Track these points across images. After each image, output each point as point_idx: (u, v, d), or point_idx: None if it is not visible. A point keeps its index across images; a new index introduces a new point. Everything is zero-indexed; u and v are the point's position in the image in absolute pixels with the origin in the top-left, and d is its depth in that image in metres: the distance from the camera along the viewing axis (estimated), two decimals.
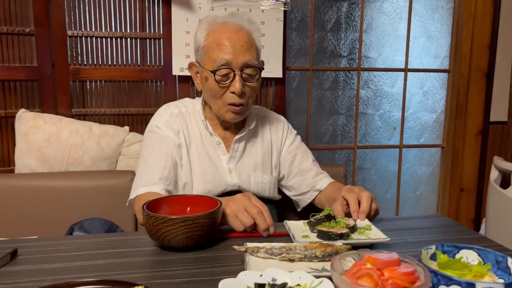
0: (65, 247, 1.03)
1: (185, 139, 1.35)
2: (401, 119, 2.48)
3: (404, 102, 2.46)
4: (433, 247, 0.86)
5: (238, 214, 1.07)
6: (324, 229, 1.05)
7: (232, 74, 1.26)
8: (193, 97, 1.48)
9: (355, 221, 1.12)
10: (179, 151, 1.34)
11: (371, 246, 1.03)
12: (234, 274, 0.78)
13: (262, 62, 1.34)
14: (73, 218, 1.64)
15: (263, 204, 1.09)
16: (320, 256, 0.89)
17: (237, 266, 0.91)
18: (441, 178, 2.61)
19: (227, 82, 1.26)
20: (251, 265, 0.87)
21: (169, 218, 0.94)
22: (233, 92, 1.26)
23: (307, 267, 0.86)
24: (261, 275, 0.79)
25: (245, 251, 0.91)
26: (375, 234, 1.06)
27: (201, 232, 0.96)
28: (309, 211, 1.27)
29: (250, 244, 0.94)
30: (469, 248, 0.87)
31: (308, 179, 1.48)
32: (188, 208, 1.10)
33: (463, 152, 2.46)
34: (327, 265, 0.87)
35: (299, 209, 1.55)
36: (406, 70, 2.45)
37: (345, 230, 1.03)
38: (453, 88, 2.50)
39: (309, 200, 1.50)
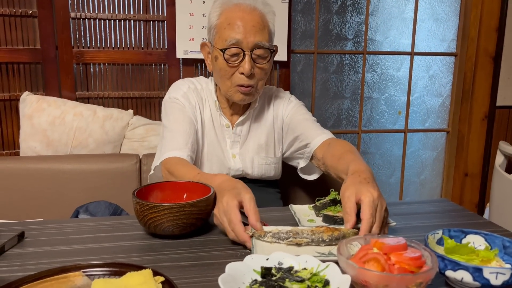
0: (71, 229, 1.04)
1: (201, 116, 1.35)
2: (406, 103, 2.46)
3: (409, 86, 2.44)
4: (440, 231, 0.86)
5: (221, 225, 0.98)
6: (330, 213, 1.05)
7: (242, 54, 1.24)
8: None
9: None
10: (196, 121, 1.33)
11: None
12: (240, 258, 0.79)
13: (276, 47, 1.32)
14: (78, 201, 1.64)
15: (251, 212, 0.93)
16: (327, 240, 0.88)
17: (244, 250, 0.91)
18: (445, 163, 2.60)
19: (236, 62, 1.24)
20: (257, 249, 0.86)
21: (154, 205, 0.93)
22: (242, 73, 1.24)
23: (314, 251, 0.86)
24: (267, 259, 0.79)
25: (252, 236, 0.90)
26: None
27: (187, 220, 0.95)
28: (315, 195, 1.27)
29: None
30: (476, 233, 0.87)
31: (311, 144, 1.37)
32: (185, 195, 1.09)
33: (469, 136, 2.45)
34: (333, 249, 0.86)
35: (301, 166, 1.45)
36: (412, 53, 2.42)
37: None
38: (459, 72, 2.47)
39: (310, 154, 1.38)
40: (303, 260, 0.79)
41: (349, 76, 2.41)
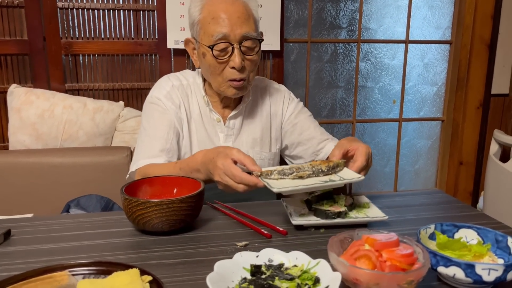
0: (60, 226, 1.02)
1: (186, 113, 1.32)
2: (401, 92, 2.45)
3: (404, 74, 2.42)
4: (432, 226, 0.85)
5: (228, 188, 1.04)
6: (322, 207, 1.03)
7: (230, 48, 1.20)
8: None
9: (353, 198, 1.10)
10: (180, 123, 1.30)
11: (369, 224, 1.02)
12: (230, 254, 0.78)
13: (261, 33, 1.29)
14: (69, 195, 1.63)
15: (246, 159, 1.02)
16: (325, 170, 1.01)
17: (234, 246, 0.90)
18: (440, 152, 2.59)
19: (225, 57, 1.21)
20: (271, 184, 0.96)
21: (142, 202, 0.92)
22: (233, 68, 1.21)
23: (316, 181, 0.98)
24: (257, 256, 0.78)
25: (260, 175, 0.98)
26: (373, 212, 1.05)
27: (176, 217, 0.94)
28: None
29: (264, 169, 1.01)
30: (468, 227, 0.86)
31: (311, 147, 1.42)
32: (175, 190, 1.07)
33: (463, 125, 2.44)
34: (332, 176, 1.01)
35: None
36: (407, 41, 2.39)
37: (343, 209, 1.02)
38: (454, 60, 2.45)
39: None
40: (294, 257, 0.78)
41: (343, 65, 2.38)
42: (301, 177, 0.99)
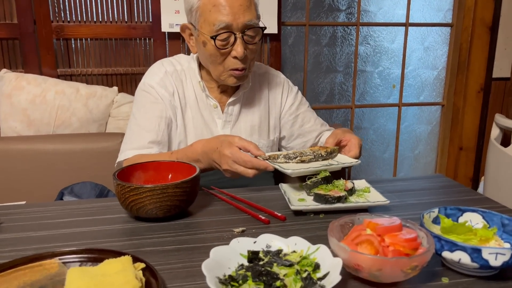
0: (51, 213, 0.99)
1: (180, 101, 1.28)
2: (400, 76, 2.41)
3: (404, 58, 2.38)
4: (436, 210, 0.82)
5: (237, 175, 1.06)
6: (321, 192, 1.00)
7: (232, 38, 1.16)
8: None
9: (353, 183, 1.07)
10: (174, 111, 1.27)
11: (370, 209, 0.99)
12: (227, 241, 0.75)
13: (259, 16, 1.25)
14: (63, 182, 1.59)
15: (249, 144, 1.05)
16: (324, 155, 1.09)
17: (231, 232, 0.87)
18: (440, 137, 2.57)
19: (227, 46, 1.17)
20: (282, 166, 1.02)
21: (135, 187, 0.89)
22: (235, 57, 1.18)
23: (317, 164, 1.06)
24: (254, 242, 0.75)
25: (268, 159, 1.04)
26: (374, 196, 1.03)
27: (171, 202, 0.91)
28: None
29: (269, 153, 1.08)
30: (473, 211, 0.83)
31: (311, 140, 1.43)
32: (170, 175, 1.05)
33: (464, 110, 2.41)
34: (330, 161, 1.10)
35: None
36: (407, 24, 2.34)
37: (343, 193, 0.99)
38: (455, 43, 2.41)
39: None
40: (293, 243, 0.75)
41: (342, 49, 2.34)
42: (303, 161, 1.06)
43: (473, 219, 0.82)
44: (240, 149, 1.04)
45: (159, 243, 0.83)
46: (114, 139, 1.67)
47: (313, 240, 0.74)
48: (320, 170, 1.04)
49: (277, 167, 1.02)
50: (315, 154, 1.08)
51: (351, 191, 1.04)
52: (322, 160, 1.10)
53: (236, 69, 1.20)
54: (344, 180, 1.08)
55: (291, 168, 1.03)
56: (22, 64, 1.83)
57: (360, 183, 1.11)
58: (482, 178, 2.40)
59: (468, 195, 1.10)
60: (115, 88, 1.82)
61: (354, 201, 1.00)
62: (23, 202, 1.31)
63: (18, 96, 1.65)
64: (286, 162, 1.06)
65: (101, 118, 1.77)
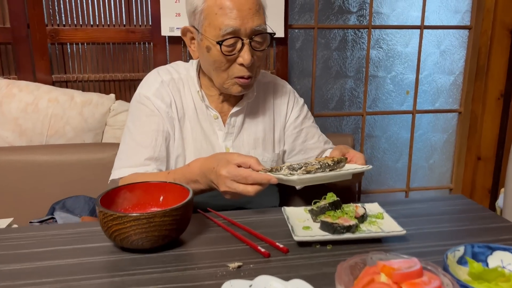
0: (28, 241, 0.90)
1: (177, 112, 1.20)
2: (415, 82, 2.30)
3: (418, 63, 2.27)
4: (461, 248, 0.71)
5: (238, 195, 0.97)
6: (329, 219, 0.90)
7: (239, 43, 1.07)
8: (186, 61, 1.31)
9: (364, 208, 0.97)
10: (171, 123, 1.19)
11: (384, 239, 0.89)
12: (220, 278, 0.67)
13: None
14: (55, 196, 1.51)
15: (249, 159, 0.96)
16: (331, 164, 1.01)
17: (225, 268, 0.77)
18: (456, 146, 2.45)
19: (234, 52, 1.08)
20: (284, 179, 0.95)
21: (118, 215, 0.80)
22: (241, 64, 1.09)
23: (324, 174, 0.98)
24: (250, 286, 0.65)
25: (270, 171, 0.96)
26: (388, 224, 0.92)
27: (159, 232, 0.82)
28: (318, 194, 1.12)
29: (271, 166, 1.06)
30: (504, 250, 0.72)
31: (312, 157, 1.34)
32: (161, 197, 0.96)
33: (482, 117, 2.29)
34: (338, 171, 1.02)
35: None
36: (422, 27, 2.23)
37: (353, 221, 0.89)
38: (474, 46, 2.29)
39: None
40: (294, 286, 0.65)
41: (353, 53, 2.24)
42: (309, 172, 0.98)
43: (505, 259, 0.71)
44: (240, 166, 0.96)
45: (144, 282, 0.74)
46: (110, 149, 1.58)
47: (319, 280, 0.65)
48: (328, 176, 0.99)
49: (281, 177, 0.95)
50: (321, 164, 1.00)
51: (363, 218, 0.94)
52: (330, 170, 1.01)
53: (242, 77, 1.11)
54: (354, 205, 0.97)
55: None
56: (15, 70, 1.75)
57: (373, 207, 1.01)
58: (502, 190, 2.27)
59: (494, 221, 0.98)
60: (112, 96, 1.73)
61: (366, 230, 0.90)
62: (11, 219, 1.24)
63: (9, 104, 1.57)
64: (290, 173, 0.97)
65: (97, 127, 1.68)
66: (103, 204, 0.87)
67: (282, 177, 0.95)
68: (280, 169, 0.98)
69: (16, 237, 0.91)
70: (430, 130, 2.43)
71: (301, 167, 0.98)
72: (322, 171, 0.99)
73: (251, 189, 0.93)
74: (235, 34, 1.06)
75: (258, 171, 0.94)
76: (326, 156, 1.06)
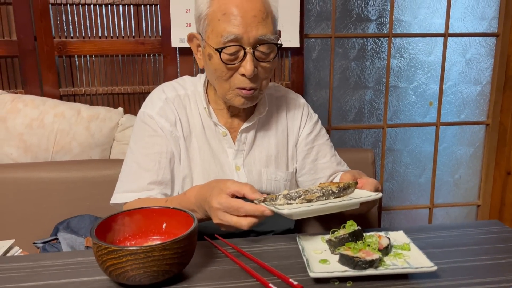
0: (18, 273, 0.83)
1: (183, 130, 1.14)
2: (438, 92, 2.20)
3: (442, 72, 2.17)
4: None
5: (231, 228, 0.91)
6: (349, 253, 0.80)
7: (242, 53, 1.02)
8: (197, 73, 1.24)
9: (389, 238, 0.87)
10: (177, 143, 1.13)
11: (411, 275, 0.79)
12: None
13: (279, 32, 1.10)
14: (60, 215, 1.46)
15: (243, 187, 0.90)
16: (336, 191, 0.91)
17: None
18: (484, 160, 2.34)
19: (235, 62, 1.03)
20: (279, 207, 0.86)
21: (113, 249, 0.72)
22: (242, 75, 1.03)
23: (326, 202, 0.89)
24: None
25: (264, 201, 0.88)
26: (416, 258, 0.82)
27: (158, 268, 0.74)
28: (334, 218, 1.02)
29: (265, 196, 0.91)
30: None
31: (322, 178, 1.26)
32: (164, 224, 0.89)
33: None
34: (344, 198, 0.91)
35: None
36: (446, 35, 2.14)
37: (376, 255, 0.79)
38: (502, 55, 2.19)
39: None
40: None
41: (372, 62, 2.16)
42: (309, 200, 0.89)
43: None
44: (234, 195, 0.90)
45: None
46: (118, 166, 1.49)
47: None
48: (326, 207, 0.87)
49: (273, 209, 0.85)
50: (323, 191, 0.91)
51: (387, 250, 0.84)
52: (334, 197, 0.92)
53: (244, 88, 1.05)
54: (377, 235, 0.87)
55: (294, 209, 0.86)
56: (22, 84, 1.71)
57: (397, 236, 0.91)
58: None
59: None
60: (120, 109, 1.67)
61: (391, 264, 0.81)
62: (12, 241, 1.18)
63: (13, 120, 1.52)
64: (287, 203, 0.89)
65: (105, 142, 1.62)
66: (100, 230, 0.81)
67: (273, 209, 0.85)
68: (276, 198, 0.89)
69: (6, 268, 0.85)
70: (455, 143, 2.33)
71: (300, 196, 0.89)
72: (325, 199, 0.90)
73: (244, 222, 0.87)
74: (237, 42, 1.01)
75: (252, 200, 0.87)
76: (331, 182, 0.97)
